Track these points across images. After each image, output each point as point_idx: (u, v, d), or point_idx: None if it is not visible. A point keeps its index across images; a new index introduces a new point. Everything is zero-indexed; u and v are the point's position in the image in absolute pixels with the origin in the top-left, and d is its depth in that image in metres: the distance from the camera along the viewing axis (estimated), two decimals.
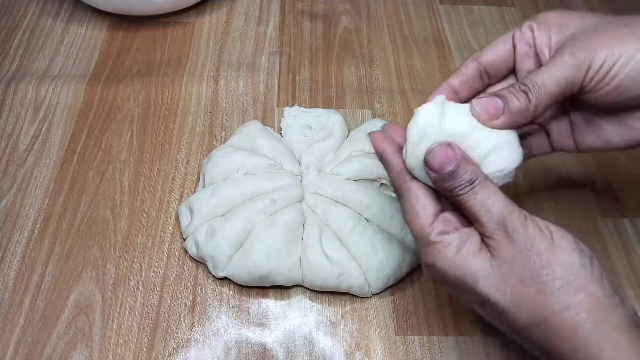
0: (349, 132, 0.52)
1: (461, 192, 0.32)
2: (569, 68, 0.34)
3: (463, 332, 0.43)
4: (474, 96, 0.38)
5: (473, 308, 0.34)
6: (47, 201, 0.49)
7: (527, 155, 0.35)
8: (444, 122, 0.33)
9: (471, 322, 0.43)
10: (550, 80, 0.34)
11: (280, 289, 0.45)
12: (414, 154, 0.34)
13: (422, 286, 0.45)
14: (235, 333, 0.43)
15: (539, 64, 0.37)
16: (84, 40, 0.62)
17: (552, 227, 0.31)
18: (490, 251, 0.31)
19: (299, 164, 0.49)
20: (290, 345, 0.42)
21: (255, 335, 0.42)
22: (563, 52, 0.34)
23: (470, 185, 0.32)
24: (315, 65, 0.61)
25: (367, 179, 0.47)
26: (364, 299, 0.44)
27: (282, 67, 0.60)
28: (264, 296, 0.45)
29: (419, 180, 0.34)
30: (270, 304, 0.44)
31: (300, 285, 0.45)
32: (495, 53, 0.38)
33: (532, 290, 0.30)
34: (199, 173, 0.51)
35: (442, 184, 0.32)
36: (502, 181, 0.34)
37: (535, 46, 0.37)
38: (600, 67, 0.33)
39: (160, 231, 0.48)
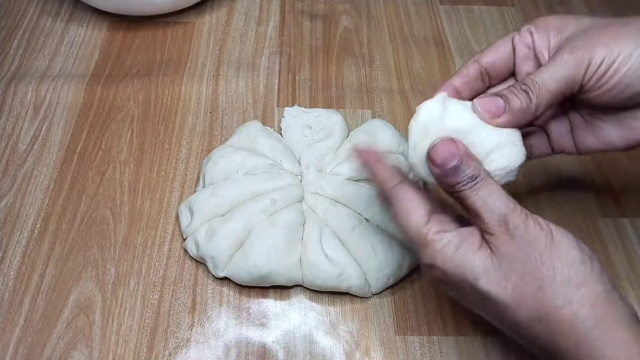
0: (349, 132, 0.52)
1: (463, 187, 0.32)
2: (569, 67, 0.34)
3: (463, 332, 0.43)
4: (475, 96, 0.39)
5: (473, 310, 0.34)
6: (47, 201, 0.49)
7: (527, 156, 0.36)
8: (446, 119, 0.34)
9: (471, 322, 0.43)
10: (551, 79, 0.34)
11: (280, 289, 0.45)
12: (416, 150, 0.34)
13: (422, 286, 0.45)
14: (235, 333, 0.43)
15: (539, 66, 0.37)
16: (84, 40, 0.62)
17: (553, 226, 0.31)
18: (490, 248, 0.31)
19: (299, 164, 0.49)
20: (290, 345, 0.42)
21: (255, 335, 0.42)
22: (562, 51, 0.34)
23: (472, 181, 0.32)
24: (315, 65, 0.61)
25: (367, 179, 0.47)
26: (364, 299, 0.44)
27: (282, 67, 0.60)
28: (264, 296, 0.45)
29: (409, 183, 0.34)
30: (270, 304, 0.44)
31: (300, 285, 0.45)
32: (495, 55, 0.38)
33: (533, 286, 0.30)
34: (199, 173, 0.51)
35: (445, 180, 0.32)
36: (504, 179, 0.34)
37: (534, 48, 0.37)
38: (600, 65, 0.33)
39: (160, 231, 0.48)
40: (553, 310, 0.29)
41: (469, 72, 0.38)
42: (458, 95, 0.38)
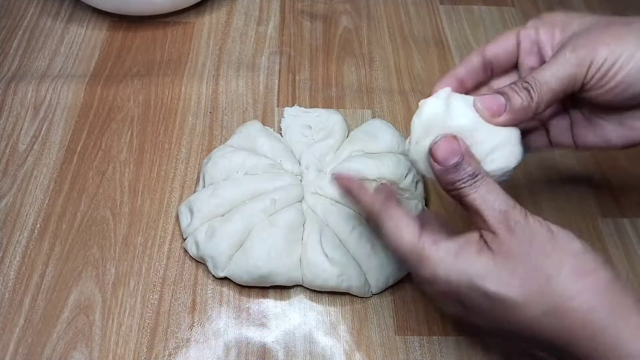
0: (349, 132, 0.52)
1: (463, 185, 0.32)
2: (571, 65, 0.34)
3: (463, 332, 0.43)
4: (477, 87, 0.39)
5: (479, 324, 0.33)
6: (47, 201, 0.49)
7: (525, 150, 0.36)
8: (449, 116, 0.34)
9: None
10: (552, 77, 0.34)
11: (280, 289, 0.45)
12: (417, 147, 0.34)
13: None
14: (235, 333, 0.43)
15: (542, 61, 0.37)
16: (84, 40, 0.62)
17: (551, 223, 0.31)
18: (491, 249, 0.31)
19: (299, 164, 0.49)
20: (290, 345, 0.42)
21: (255, 335, 0.42)
22: (565, 50, 0.34)
23: (473, 179, 0.32)
24: (315, 65, 0.61)
25: (367, 179, 0.47)
26: (364, 299, 0.44)
27: (282, 67, 0.60)
28: (264, 296, 0.45)
29: (394, 203, 0.34)
30: (270, 304, 0.44)
31: (300, 285, 0.45)
32: (500, 47, 0.38)
33: (540, 280, 0.29)
34: (199, 173, 0.51)
35: (446, 177, 0.32)
36: (500, 179, 0.34)
37: (538, 43, 0.37)
38: (602, 64, 0.33)
39: (160, 231, 0.48)
40: (564, 303, 0.29)
41: (472, 63, 0.38)
42: (462, 84, 0.38)
